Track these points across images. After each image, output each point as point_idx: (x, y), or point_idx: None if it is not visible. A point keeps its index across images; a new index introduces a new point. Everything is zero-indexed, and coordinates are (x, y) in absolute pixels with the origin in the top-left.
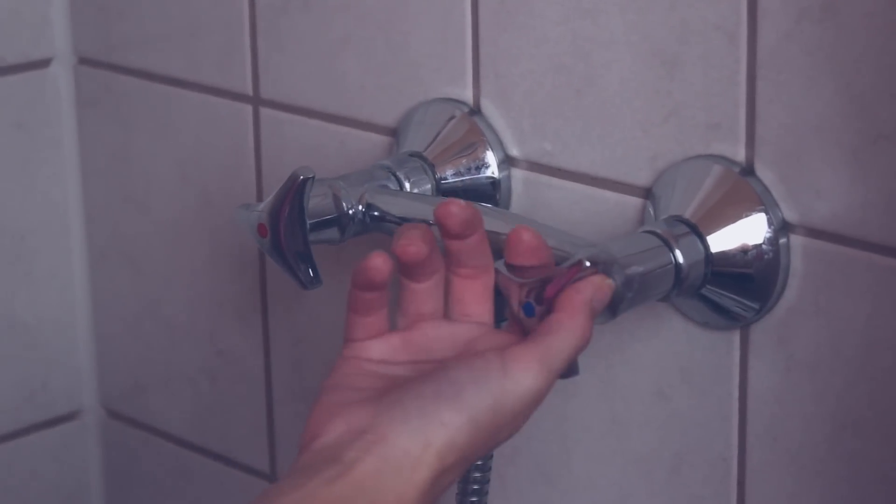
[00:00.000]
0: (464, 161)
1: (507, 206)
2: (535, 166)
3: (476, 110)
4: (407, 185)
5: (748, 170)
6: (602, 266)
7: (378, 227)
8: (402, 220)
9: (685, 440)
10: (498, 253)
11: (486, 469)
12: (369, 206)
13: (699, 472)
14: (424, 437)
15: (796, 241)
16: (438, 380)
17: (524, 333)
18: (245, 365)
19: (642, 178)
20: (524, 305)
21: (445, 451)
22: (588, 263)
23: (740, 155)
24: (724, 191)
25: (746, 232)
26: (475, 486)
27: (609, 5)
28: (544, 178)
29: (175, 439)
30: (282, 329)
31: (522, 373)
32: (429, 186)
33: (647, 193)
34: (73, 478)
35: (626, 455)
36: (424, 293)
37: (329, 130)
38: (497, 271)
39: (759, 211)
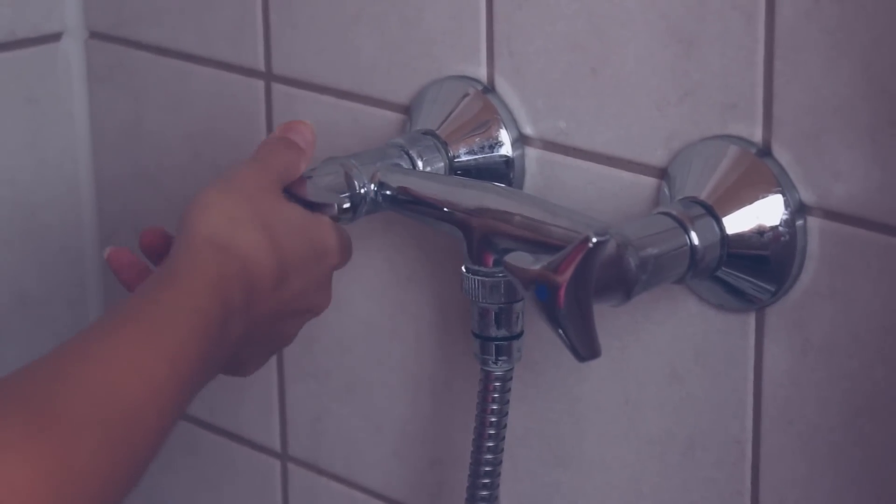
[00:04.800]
0: (477, 139)
1: (520, 185)
2: (550, 145)
3: (490, 88)
4: (420, 164)
5: (765, 151)
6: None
7: (390, 206)
8: (415, 200)
9: (699, 423)
10: (516, 238)
11: (497, 451)
12: (381, 185)
13: (713, 454)
14: None
15: (813, 223)
16: None
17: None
18: None
19: (658, 158)
20: (536, 289)
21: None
22: (595, 239)
23: (757, 135)
24: (740, 172)
25: (763, 213)
26: (487, 468)
27: None
28: (558, 158)
29: (186, 416)
30: None
31: None
32: (442, 165)
33: (663, 173)
34: None
35: (639, 437)
36: None
37: (342, 107)
38: (504, 262)
39: (776, 192)
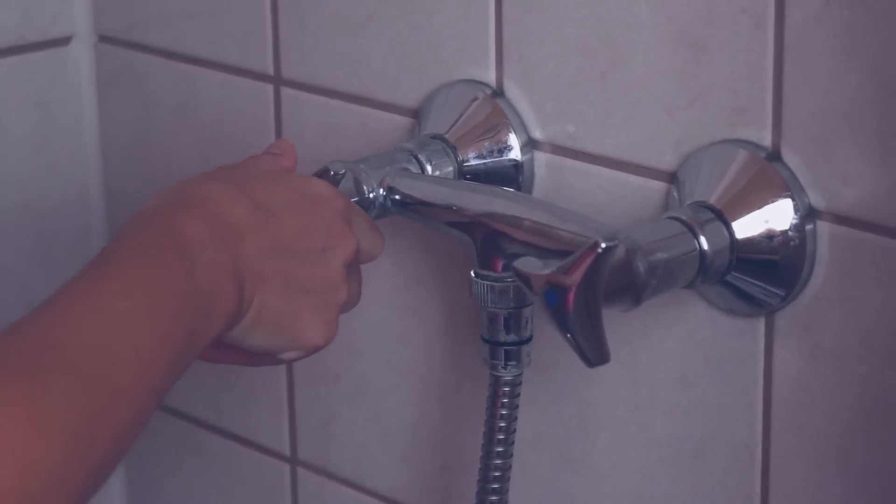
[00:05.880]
0: (486, 144)
1: (529, 189)
2: (559, 149)
3: (499, 92)
4: (429, 168)
5: (774, 155)
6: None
7: (399, 210)
8: (424, 204)
9: (709, 427)
10: (525, 243)
11: (507, 455)
12: (391, 190)
13: (723, 459)
14: None
15: (823, 227)
16: None
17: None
18: None
19: (667, 163)
20: (546, 294)
21: None
22: (604, 245)
23: (766, 140)
24: (749, 176)
25: (772, 218)
26: (496, 473)
27: None
28: (568, 162)
29: (195, 420)
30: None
31: None
32: (451, 169)
33: (672, 178)
34: None
35: (648, 442)
36: None
37: (350, 111)
38: (513, 267)
39: (786, 197)
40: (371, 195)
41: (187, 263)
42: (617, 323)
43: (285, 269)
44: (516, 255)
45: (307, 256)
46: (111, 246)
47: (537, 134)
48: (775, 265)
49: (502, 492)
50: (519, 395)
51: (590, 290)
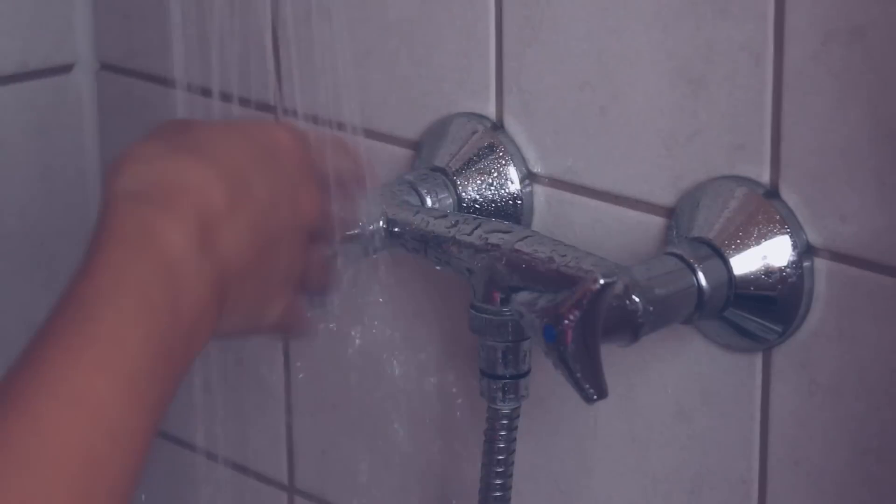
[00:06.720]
0: (486, 177)
1: (528, 223)
2: (558, 183)
3: (499, 125)
4: (429, 200)
5: (773, 192)
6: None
7: (399, 243)
8: (423, 237)
9: (706, 462)
10: (523, 277)
11: (505, 488)
12: (390, 222)
13: (719, 494)
14: None
15: (820, 264)
16: None
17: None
18: (264, 374)
19: (666, 198)
20: (544, 329)
21: None
22: (603, 281)
23: (765, 177)
24: (748, 212)
25: (770, 255)
26: None
27: (634, 23)
28: (567, 196)
29: (193, 447)
30: (301, 341)
31: None
32: (450, 202)
33: (671, 213)
34: None
35: (645, 475)
36: None
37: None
38: (512, 301)
39: (784, 234)
40: (371, 228)
41: (172, 293)
42: (615, 357)
43: (258, 254)
44: (515, 289)
45: (277, 232)
46: (91, 265)
47: (537, 167)
48: (773, 301)
49: None
50: (517, 427)
51: (588, 326)
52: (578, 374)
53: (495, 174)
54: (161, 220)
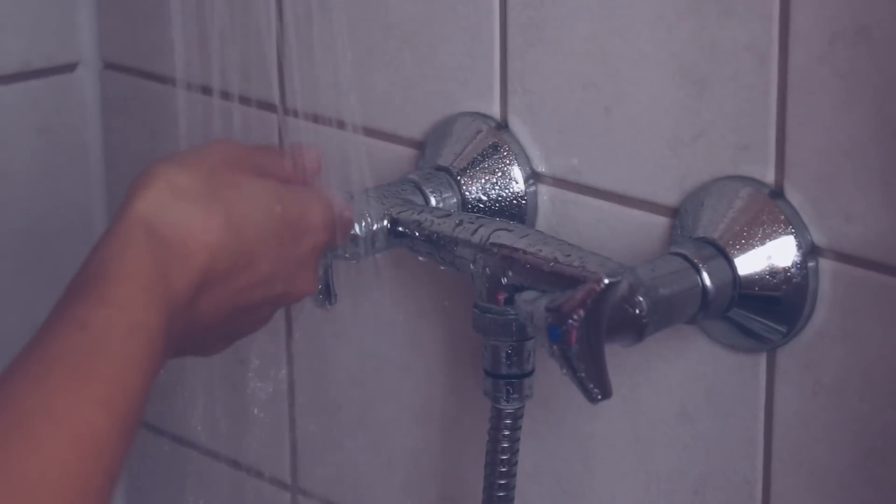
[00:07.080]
0: (490, 176)
1: (533, 222)
2: (562, 183)
3: (503, 125)
4: (433, 200)
5: (777, 192)
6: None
7: (402, 242)
8: (427, 237)
9: (709, 462)
10: (528, 276)
11: (509, 488)
12: (394, 222)
13: (723, 494)
14: None
15: (825, 264)
16: None
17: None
18: (267, 375)
19: (670, 198)
20: (548, 329)
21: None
22: (607, 280)
23: (770, 177)
24: (752, 213)
25: (775, 255)
26: None
27: (639, 23)
28: (571, 195)
29: (196, 447)
30: (305, 340)
31: None
32: (455, 201)
33: (675, 213)
34: None
35: (649, 476)
36: None
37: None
38: (516, 300)
39: (788, 234)
40: (375, 227)
41: (157, 345)
42: (618, 357)
43: (227, 318)
44: (519, 289)
45: (259, 304)
46: (105, 292)
47: (541, 167)
48: (777, 302)
49: None
50: (520, 427)
51: (592, 326)
52: (582, 374)
53: (499, 174)
54: (175, 269)
